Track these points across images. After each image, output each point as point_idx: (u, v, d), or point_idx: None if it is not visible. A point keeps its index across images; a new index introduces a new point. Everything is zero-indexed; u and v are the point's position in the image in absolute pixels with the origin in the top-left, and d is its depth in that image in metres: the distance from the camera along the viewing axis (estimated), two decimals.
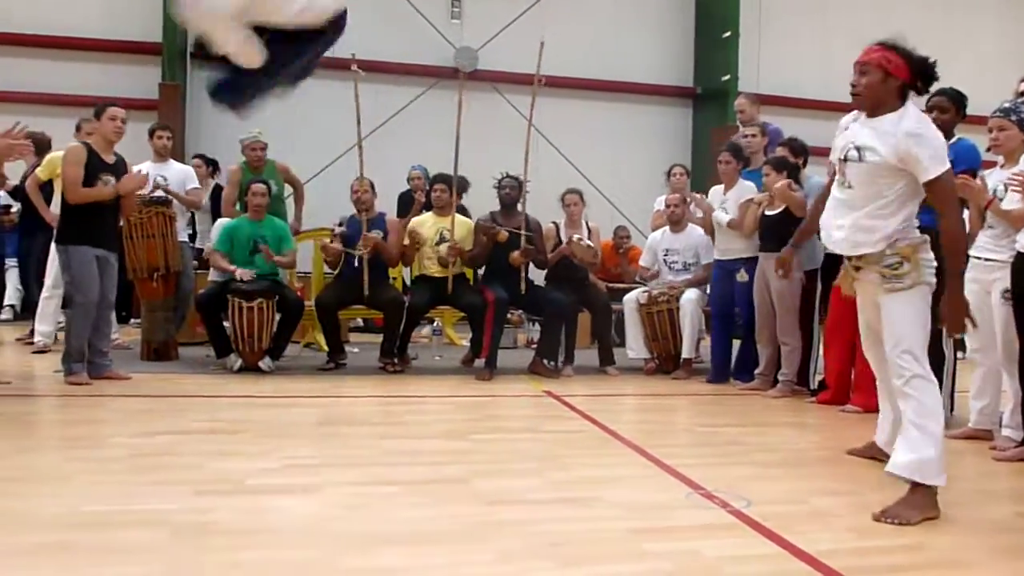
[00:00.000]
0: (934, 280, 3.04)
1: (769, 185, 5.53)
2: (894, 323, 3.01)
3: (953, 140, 4.54)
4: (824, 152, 9.55)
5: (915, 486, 2.93)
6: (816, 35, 12.48)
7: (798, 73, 12.20)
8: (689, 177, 6.97)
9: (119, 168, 5.45)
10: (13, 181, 6.79)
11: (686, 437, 4.50)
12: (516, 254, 6.19)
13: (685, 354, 6.35)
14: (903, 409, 3.03)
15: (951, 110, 4.49)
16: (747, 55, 11.78)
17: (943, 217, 3.01)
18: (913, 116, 3.02)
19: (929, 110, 4.52)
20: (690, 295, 6.34)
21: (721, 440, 4.23)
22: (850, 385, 5.19)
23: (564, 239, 6.52)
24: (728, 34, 11.57)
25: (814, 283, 5.53)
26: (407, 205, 7.80)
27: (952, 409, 4.61)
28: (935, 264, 3.04)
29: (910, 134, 2.94)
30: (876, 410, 4.91)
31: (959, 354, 4.61)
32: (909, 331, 2.99)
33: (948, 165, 2.95)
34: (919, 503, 2.91)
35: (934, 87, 3.30)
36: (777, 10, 12.34)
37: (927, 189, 2.97)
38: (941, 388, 4.49)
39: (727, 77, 11.50)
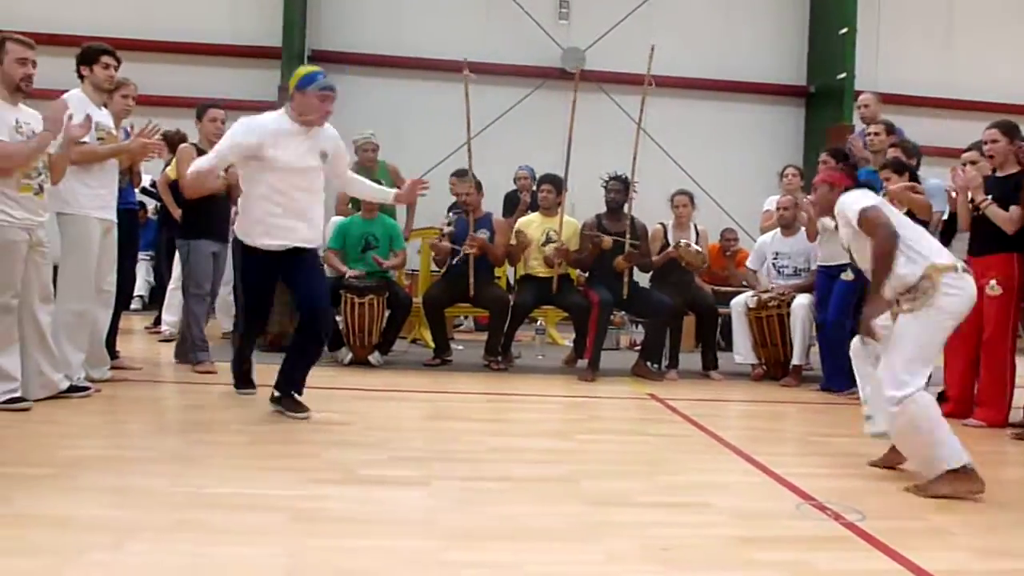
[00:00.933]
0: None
1: (890, 188, 5.33)
2: None
3: None
4: (946, 152, 9.15)
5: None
6: (939, 29, 11.94)
7: (918, 70, 11.70)
8: (803, 179, 6.77)
9: None
10: (152, 176, 7.21)
11: (795, 446, 4.39)
12: (620, 259, 6.17)
13: (795, 361, 6.19)
14: None
15: None
16: (864, 52, 11.35)
17: None
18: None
19: None
20: (802, 300, 6.17)
21: (832, 450, 4.11)
22: (973, 398, 4.96)
23: (672, 241, 6.45)
24: (845, 30, 11.17)
25: None
26: (513, 204, 7.86)
27: None
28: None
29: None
30: (1002, 425, 4.71)
31: None
32: None
33: None
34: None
35: None
36: (897, 5, 11.85)
37: None
38: None
39: (843, 75, 11.10)
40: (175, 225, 6.93)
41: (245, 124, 4.05)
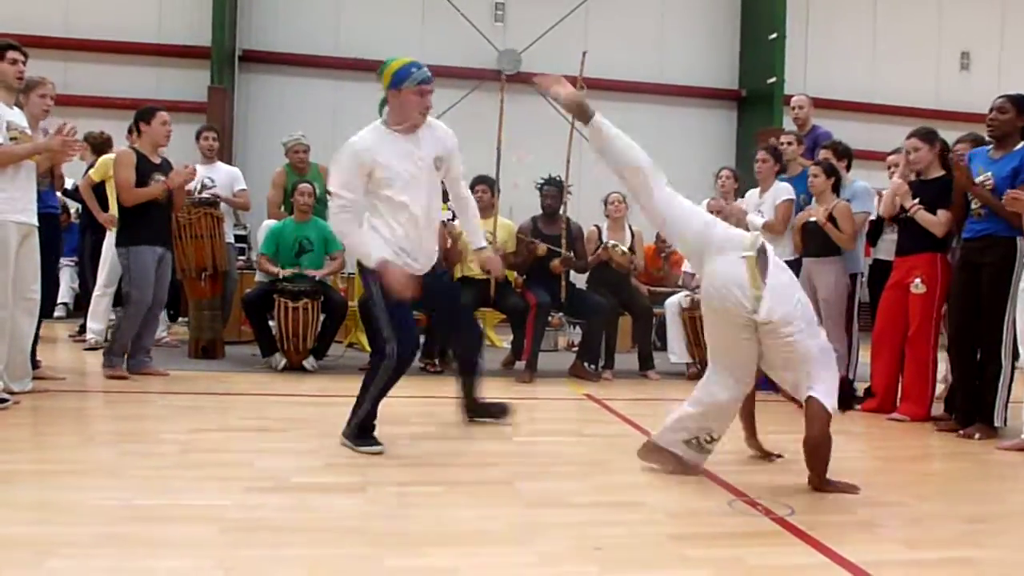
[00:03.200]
0: None
1: (818, 187, 5.50)
2: None
3: (1019, 147, 4.44)
4: (870, 155, 9.41)
5: None
6: (864, 37, 12.33)
7: (844, 75, 12.06)
8: (737, 180, 6.91)
9: (166, 168, 5.57)
10: (74, 180, 6.97)
11: (729, 443, 4.41)
12: (556, 262, 6.20)
13: None
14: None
15: (1011, 112, 4.41)
16: (793, 57, 11.66)
17: None
18: None
19: (989, 111, 4.47)
20: None
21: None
22: (897, 393, 5.11)
23: (606, 243, 6.51)
24: (774, 36, 11.45)
25: (854, 287, 5.54)
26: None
27: (1005, 420, 4.51)
28: None
29: None
30: (924, 419, 4.88)
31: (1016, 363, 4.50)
32: None
33: None
34: None
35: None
36: (824, 12, 12.20)
37: None
38: (996, 398, 4.41)
39: (773, 79, 11.38)
40: (100, 229, 6.73)
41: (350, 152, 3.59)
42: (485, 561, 2.37)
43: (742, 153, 11.82)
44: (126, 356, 5.49)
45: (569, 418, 5.02)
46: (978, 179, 4.49)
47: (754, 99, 11.89)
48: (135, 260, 5.37)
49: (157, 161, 5.54)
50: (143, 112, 5.59)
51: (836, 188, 5.50)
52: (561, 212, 6.39)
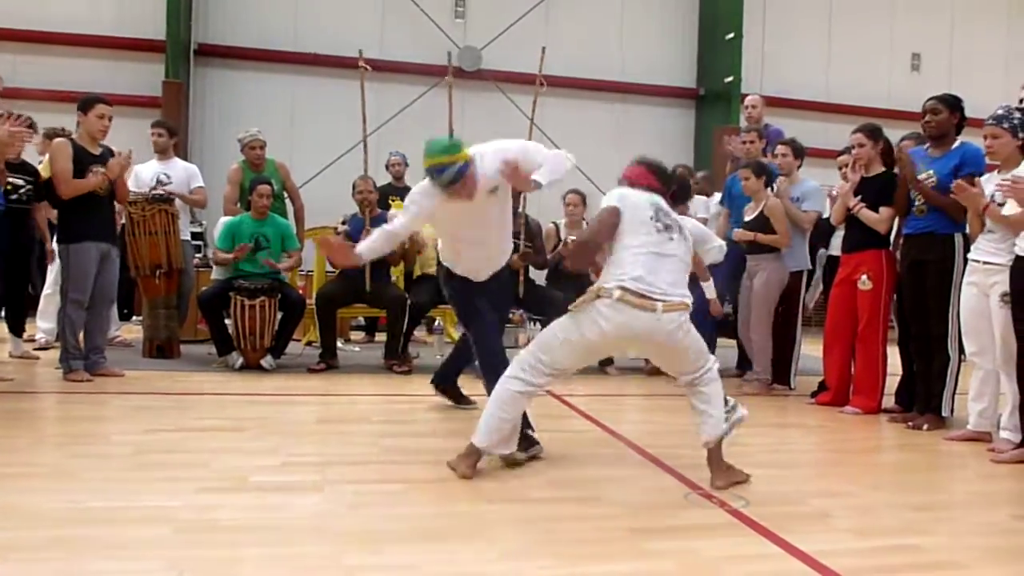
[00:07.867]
0: None
1: (751, 188, 5.65)
2: None
3: (957, 144, 4.58)
4: (824, 153, 9.57)
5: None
6: (819, 38, 12.54)
7: (800, 75, 12.27)
8: (692, 178, 6.98)
9: (106, 158, 5.38)
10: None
11: (685, 437, 4.49)
12: (515, 258, 6.19)
13: None
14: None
15: (943, 112, 4.55)
16: (751, 57, 11.83)
17: None
18: None
19: (923, 114, 4.62)
20: None
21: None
22: (849, 387, 5.21)
23: (564, 239, 6.54)
24: (732, 36, 11.60)
25: (799, 284, 5.71)
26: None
27: (952, 411, 4.64)
28: None
29: None
30: (876, 411, 4.99)
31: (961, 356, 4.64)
32: None
33: None
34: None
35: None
36: (781, 12, 12.39)
37: None
38: (943, 389, 4.56)
39: (730, 79, 11.53)
40: (49, 227, 6.57)
41: None
42: (445, 558, 2.38)
43: (700, 151, 11.96)
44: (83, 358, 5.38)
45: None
46: (920, 177, 4.62)
47: (712, 98, 12.03)
48: (75, 257, 5.23)
49: (97, 152, 5.35)
50: (83, 101, 5.40)
51: (768, 185, 5.69)
52: (520, 209, 6.39)
